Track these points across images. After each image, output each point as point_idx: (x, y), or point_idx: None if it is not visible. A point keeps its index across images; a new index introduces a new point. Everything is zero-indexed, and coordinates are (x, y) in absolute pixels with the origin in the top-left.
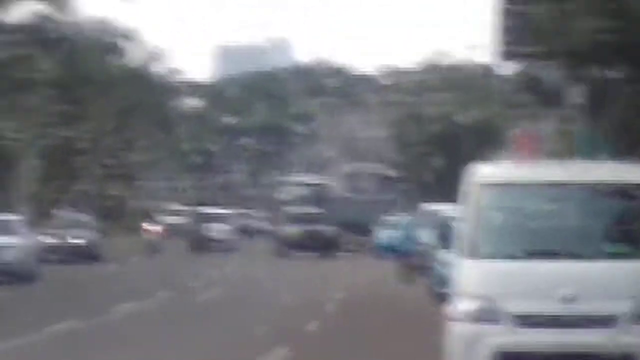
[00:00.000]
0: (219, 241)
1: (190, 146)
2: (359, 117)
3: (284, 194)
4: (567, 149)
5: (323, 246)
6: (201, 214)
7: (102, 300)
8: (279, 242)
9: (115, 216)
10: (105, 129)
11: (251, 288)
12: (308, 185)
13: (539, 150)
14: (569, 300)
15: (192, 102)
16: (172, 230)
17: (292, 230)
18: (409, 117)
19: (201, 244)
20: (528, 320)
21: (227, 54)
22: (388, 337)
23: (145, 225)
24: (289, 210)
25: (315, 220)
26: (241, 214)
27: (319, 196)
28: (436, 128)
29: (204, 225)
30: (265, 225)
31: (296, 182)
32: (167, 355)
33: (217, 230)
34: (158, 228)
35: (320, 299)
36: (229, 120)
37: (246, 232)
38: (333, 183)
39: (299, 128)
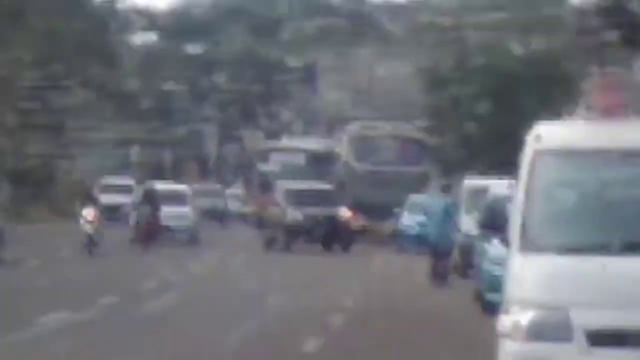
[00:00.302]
0: (176, 230)
1: (139, 86)
2: (377, 51)
3: (270, 163)
4: None
5: (334, 237)
6: (151, 191)
7: (24, 310)
8: (269, 231)
9: (38, 190)
10: (21, 61)
11: (224, 292)
12: (305, 151)
13: (625, 104)
14: None
15: (145, 37)
16: (111, 215)
17: (291, 214)
18: (445, 50)
19: (150, 235)
20: (608, 338)
21: None
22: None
23: (85, 211)
24: (285, 186)
25: (323, 200)
26: (209, 191)
27: (320, 168)
28: (482, 68)
29: (154, 207)
30: (242, 206)
31: (288, 147)
32: None
33: (174, 214)
34: (94, 213)
35: (323, 308)
36: (193, 48)
37: (215, 216)
38: (340, 149)
39: (292, 63)
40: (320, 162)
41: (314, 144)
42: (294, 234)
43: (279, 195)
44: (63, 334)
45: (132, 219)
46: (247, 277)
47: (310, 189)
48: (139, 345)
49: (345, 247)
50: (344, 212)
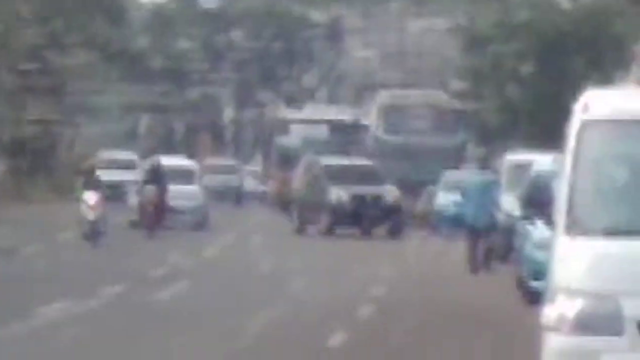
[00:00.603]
0: (181, 212)
1: (148, 45)
2: (409, 5)
3: (290, 135)
4: None
5: (383, 220)
6: (157, 168)
7: (21, 301)
8: (304, 212)
9: (37, 163)
10: (19, 17)
11: (240, 280)
12: (329, 122)
13: None
14: None
15: None
16: (111, 195)
17: (336, 193)
18: (485, 5)
19: (156, 218)
20: None
21: None
22: (457, 356)
23: (86, 194)
24: (323, 161)
25: (367, 178)
26: (223, 167)
27: (346, 141)
28: (526, 25)
29: (161, 187)
30: (259, 185)
31: (310, 118)
32: None
33: (178, 194)
34: (95, 197)
35: (351, 298)
36: (207, 3)
37: (230, 195)
38: (369, 120)
39: (316, 19)
40: (346, 135)
41: (339, 114)
42: (339, 216)
43: (313, 171)
44: (63, 326)
45: (132, 199)
46: (265, 263)
47: (353, 165)
48: (145, 340)
49: (396, 233)
50: (393, 192)
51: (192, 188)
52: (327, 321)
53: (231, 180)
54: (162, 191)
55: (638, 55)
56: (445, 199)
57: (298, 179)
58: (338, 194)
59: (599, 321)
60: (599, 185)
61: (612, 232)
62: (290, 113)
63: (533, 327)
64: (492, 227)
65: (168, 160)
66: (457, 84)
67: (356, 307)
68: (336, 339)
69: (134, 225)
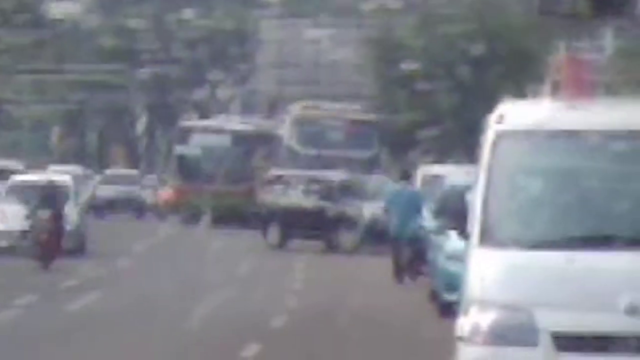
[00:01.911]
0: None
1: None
2: (321, 23)
3: (191, 144)
4: (634, 80)
5: (322, 228)
6: (52, 185)
7: None
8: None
9: None
10: None
11: (146, 292)
12: (231, 132)
13: (591, 82)
14: (636, 311)
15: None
16: None
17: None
18: (396, 25)
19: (52, 247)
20: (576, 342)
21: None
22: None
23: None
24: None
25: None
26: (123, 177)
27: (248, 150)
28: (438, 44)
29: (56, 208)
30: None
31: (211, 126)
32: None
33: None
34: None
35: (265, 310)
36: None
37: (130, 207)
38: (282, 131)
39: (228, 34)
40: (249, 144)
41: (242, 123)
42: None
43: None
44: None
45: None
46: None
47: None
48: None
49: (335, 245)
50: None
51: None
52: (243, 332)
53: (131, 191)
54: (59, 214)
55: (553, 66)
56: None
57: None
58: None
59: (513, 332)
60: (513, 197)
61: (526, 243)
62: (191, 122)
63: (446, 339)
64: (416, 237)
65: (34, 176)
66: (370, 115)
67: (271, 318)
68: (250, 350)
69: (26, 253)
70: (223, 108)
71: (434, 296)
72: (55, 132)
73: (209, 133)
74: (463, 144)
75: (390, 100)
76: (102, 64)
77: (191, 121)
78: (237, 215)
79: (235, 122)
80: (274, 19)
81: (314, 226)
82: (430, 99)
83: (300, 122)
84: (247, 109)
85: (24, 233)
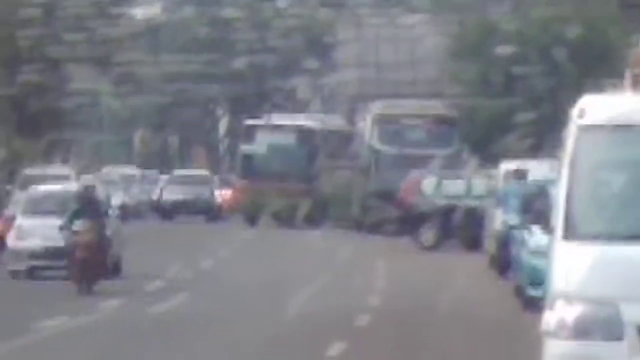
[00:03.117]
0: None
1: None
2: (400, 22)
3: (256, 143)
4: None
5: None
6: (89, 191)
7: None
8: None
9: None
10: None
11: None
12: (296, 129)
13: None
14: None
15: None
16: None
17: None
18: (478, 24)
19: (91, 266)
20: None
21: None
22: None
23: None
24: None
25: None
26: (193, 177)
27: (316, 147)
28: (518, 39)
29: (96, 218)
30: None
31: (276, 124)
32: None
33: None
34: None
35: (348, 307)
36: None
37: (199, 209)
38: (363, 130)
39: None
40: (315, 141)
41: (307, 120)
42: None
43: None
44: None
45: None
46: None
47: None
48: None
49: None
50: None
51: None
52: (324, 331)
53: (202, 192)
54: (100, 226)
55: (632, 61)
56: None
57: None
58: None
59: (599, 326)
60: (597, 191)
61: (611, 237)
62: (257, 120)
63: (532, 334)
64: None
65: (46, 170)
66: (451, 111)
67: (354, 315)
68: (333, 349)
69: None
70: (303, 107)
71: (518, 291)
72: (139, 135)
73: (274, 131)
74: (546, 140)
75: (485, 85)
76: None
77: (256, 119)
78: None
79: (301, 119)
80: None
81: (465, 225)
82: (526, 83)
83: (381, 120)
84: (327, 109)
85: (56, 249)
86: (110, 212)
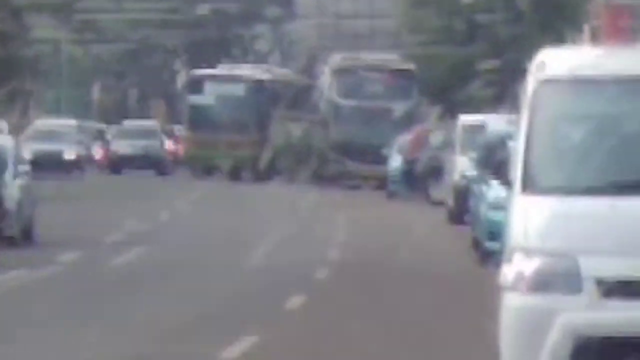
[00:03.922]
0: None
1: None
2: None
3: (204, 94)
4: None
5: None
6: None
7: None
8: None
9: None
10: None
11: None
12: (245, 80)
13: (630, 27)
14: None
15: None
16: None
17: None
18: None
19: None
20: (623, 289)
21: None
22: (415, 318)
23: None
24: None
25: None
26: (141, 130)
27: (262, 100)
28: None
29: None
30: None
31: (224, 75)
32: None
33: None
34: None
35: (310, 260)
36: None
37: (149, 162)
38: (321, 83)
39: None
40: (265, 93)
41: (256, 71)
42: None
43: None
44: None
45: None
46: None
47: None
48: None
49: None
50: None
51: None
52: (284, 284)
53: (150, 145)
54: None
55: (591, 14)
56: (400, 162)
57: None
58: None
59: (557, 279)
60: (556, 144)
61: (570, 190)
62: (202, 70)
63: (489, 287)
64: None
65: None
66: (408, 64)
67: (314, 268)
68: (293, 302)
69: None
70: (262, 59)
71: (476, 244)
72: (98, 86)
73: (221, 81)
74: (502, 92)
75: (447, 34)
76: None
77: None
78: (250, 166)
79: (248, 70)
80: None
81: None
82: (490, 31)
83: (340, 73)
84: (287, 60)
85: None
86: (15, 168)
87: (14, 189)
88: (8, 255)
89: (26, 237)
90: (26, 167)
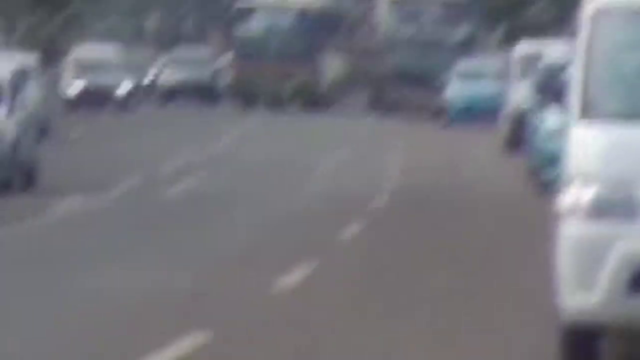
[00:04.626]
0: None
1: None
2: None
3: (252, 24)
4: None
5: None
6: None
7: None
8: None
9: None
10: None
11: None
12: (297, 10)
13: None
14: None
15: None
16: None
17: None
18: None
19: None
20: None
21: None
22: (473, 245)
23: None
24: None
25: None
26: (190, 59)
27: (317, 30)
28: None
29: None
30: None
31: (274, 4)
32: (116, 276)
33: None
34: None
35: (368, 188)
36: None
37: (200, 93)
38: (377, 12)
39: None
40: (317, 25)
41: (307, 1)
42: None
43: None
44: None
45: None
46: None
47: None
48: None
49: None
50: None
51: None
52: (340, 212)
53: (201, 74)
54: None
55: None
56: (456, 90)
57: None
58: None
59: (616, 206)
60: (615, 70)
61: (628, 116)
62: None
63: (545, 216)
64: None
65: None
66: None
67: (373, 196)
68: (349, 231)
69: None
70: None
71: (532, 173)
72: (153, 16)
73: (270, 12)
74: (561, 20)
75: None
76: None
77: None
78: (303, 96)
79: (298, 1)
80: None
81: None
82: None
83: (397, 3)
84: None
85: None
86: (12, 102)
87: (8, 126)
88: (60, 183)
89: (27, 182)
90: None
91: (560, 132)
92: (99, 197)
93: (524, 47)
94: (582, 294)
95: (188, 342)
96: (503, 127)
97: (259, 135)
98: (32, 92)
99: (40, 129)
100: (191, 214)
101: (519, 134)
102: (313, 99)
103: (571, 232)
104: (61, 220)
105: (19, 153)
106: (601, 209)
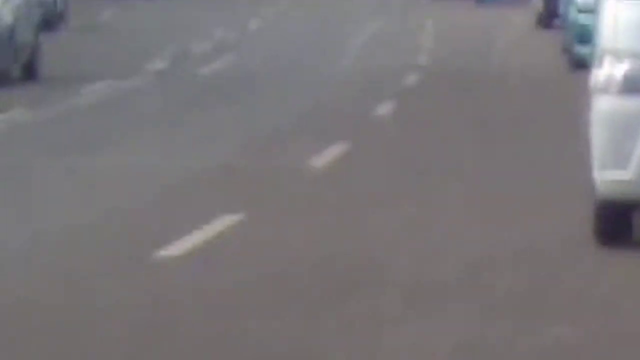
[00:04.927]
0: None
1: None
2: None
3: None
4: None
5: None
6: None
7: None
8: None
9: None
10: None
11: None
12: None
13: None
14: None
15: None
16: None
17: None
18: None
19: None
20: None
21: None
22: (506, 121)
23: None
24: None
25: None
26: None
27: None
28: None
29: None
30: None
31: None
32: (150, 156)
33: None
34: None
35: (400, 65)
36: None
37: None
38: None
39: None
40: None
41: None
42: None
43: None
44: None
45: None
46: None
47: None
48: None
49: None
50: None
51: None
52: (372, 90)
53: None
54: None
55: None
56: None
57: None
58: None
59: None
60: None
61: None
62: None
63: (579, 91)
64: None
65: None
66: None
67: (403, 74)
68: (382, 108)
69: None
70: None
71: (566, 49)
72: None
73: None
74: None
75: None
76: None
77: None
78: None
79: None
80: None
81: None
82: None
83: None
84: None
85: None
86: None
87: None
88: (87, 69)
89: (27, 74)
90: None
91: (594, 8)
92: (129, 79)
93: None
94: (615, 170)
95: (220, 221)
96: (537, 3)
97: (292, 12)
98: None
99: (58, 13)
100: (224, 93)
101: (553, 10)
102: None
103: (604, 107)
104: (93, 104)
105: (13, 41)
106: (634, 84)
